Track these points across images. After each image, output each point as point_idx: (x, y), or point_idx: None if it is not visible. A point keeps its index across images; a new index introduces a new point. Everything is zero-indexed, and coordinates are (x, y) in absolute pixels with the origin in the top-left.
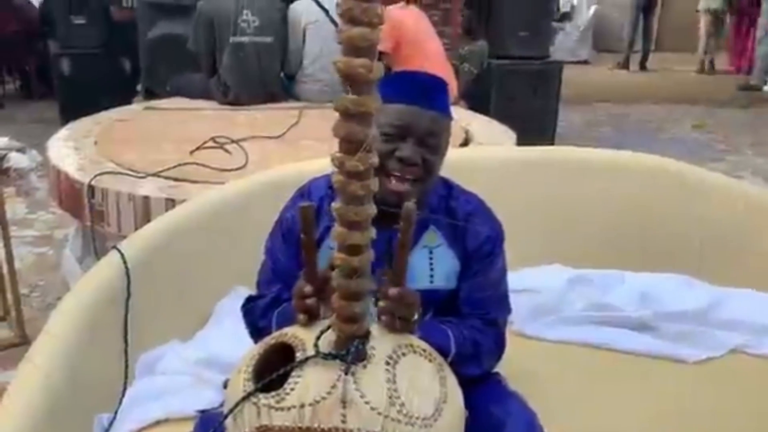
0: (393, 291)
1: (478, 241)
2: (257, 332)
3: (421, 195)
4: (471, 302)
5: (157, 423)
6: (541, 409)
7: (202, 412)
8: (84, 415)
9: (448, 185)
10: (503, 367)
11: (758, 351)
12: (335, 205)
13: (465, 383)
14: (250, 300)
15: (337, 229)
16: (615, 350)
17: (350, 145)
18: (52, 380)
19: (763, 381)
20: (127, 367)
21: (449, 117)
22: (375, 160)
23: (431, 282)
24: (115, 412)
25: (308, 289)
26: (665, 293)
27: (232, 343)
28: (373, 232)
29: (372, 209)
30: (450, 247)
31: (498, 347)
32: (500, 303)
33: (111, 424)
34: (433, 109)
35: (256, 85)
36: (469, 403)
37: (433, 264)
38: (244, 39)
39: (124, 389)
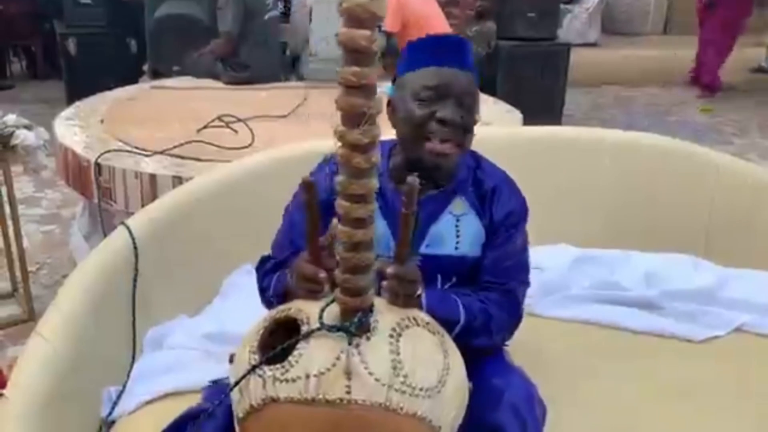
0: (392, 270)
1: (503, 213)
2: (261, 292)
3: (458, 160)
4: (491, 272)
5: (165, 396)
6: (545, 386)
7: (211, 383)
8: (92, 388)
9: (476, 158)
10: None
11: (763, 330)
12: (338, 178)
13: (468, 357)
14: (262, 260)
15: (340, 202)
16: (621, 329)
17: (353, 117)
18: (60, 354)
19: None
20: (135, 341)
21: (476, 78)
22: (378, 132)
23: (456, 249)
24: (123, 386)
25: (312, 269)
26: (671, 273)
27: (239, 317)
28: (376, 205)
29: (374, 183)
30: (477, 216)
31: (512, 320)
32: (519, 274)
33: (119, 396)
34: (465, 68)
35: (277, 65)
36: (471, 375)
37: (459, 231)
38: (269, 16)
39: (132, 363)
